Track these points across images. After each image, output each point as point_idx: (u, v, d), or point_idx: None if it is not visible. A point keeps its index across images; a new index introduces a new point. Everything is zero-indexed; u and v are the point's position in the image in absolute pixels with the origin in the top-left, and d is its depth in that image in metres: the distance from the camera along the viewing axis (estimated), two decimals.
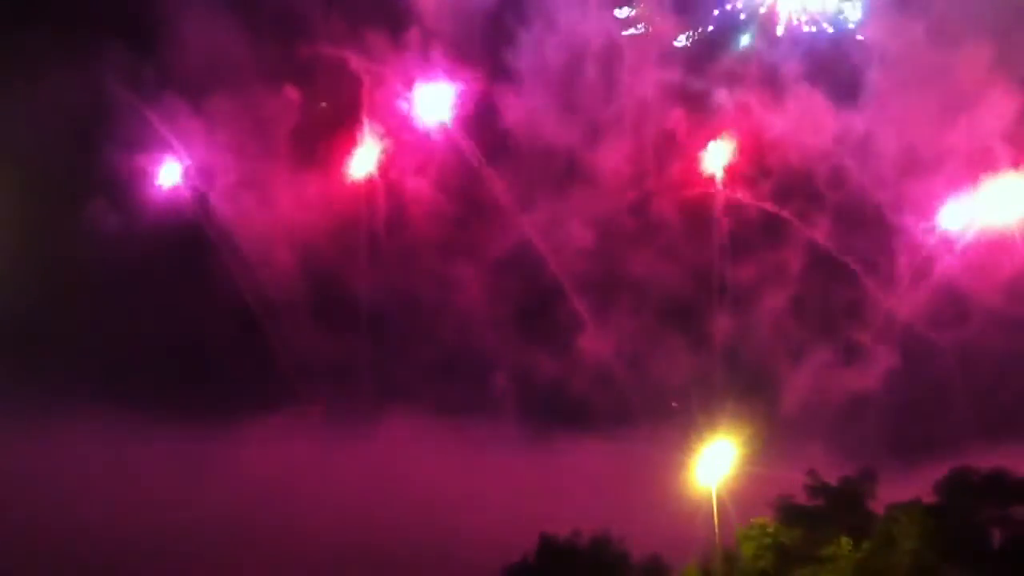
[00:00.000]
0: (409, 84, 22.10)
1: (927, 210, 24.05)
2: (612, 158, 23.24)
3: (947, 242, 23.98)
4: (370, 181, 22.58)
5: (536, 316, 23.24)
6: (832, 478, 18.42)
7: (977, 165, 23.56)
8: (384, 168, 22.42)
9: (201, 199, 22.14)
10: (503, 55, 22.84)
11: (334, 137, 22.38)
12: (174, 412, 21.80)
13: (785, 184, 24.02)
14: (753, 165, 24.03)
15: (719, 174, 23.99)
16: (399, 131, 22.41)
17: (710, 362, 24.02)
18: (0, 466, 20.43)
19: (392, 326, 23.11)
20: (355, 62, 21.92)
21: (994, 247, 23.65)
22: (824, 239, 23.99)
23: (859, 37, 24.85)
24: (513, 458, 22.53)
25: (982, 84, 23.38)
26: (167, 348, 21.93)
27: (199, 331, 22.16)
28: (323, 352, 22.79)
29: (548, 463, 22.40)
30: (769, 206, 24.00)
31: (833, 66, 24.09)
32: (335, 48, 21.80)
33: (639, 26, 23.59)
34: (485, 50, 22.77)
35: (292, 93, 21.62)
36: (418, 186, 22.66)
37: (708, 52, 23.71)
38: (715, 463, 20.15)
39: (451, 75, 22.22)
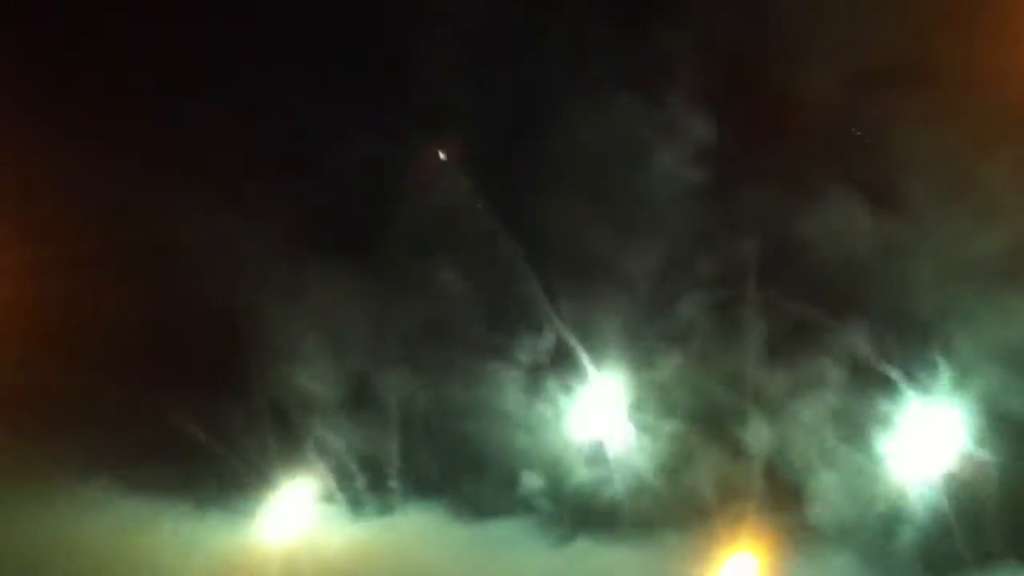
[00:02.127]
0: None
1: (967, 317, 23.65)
2: (640, 259, 23.20)
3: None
4: (401, 274, 22.67)
5: (566, 418, 23.05)
6: None
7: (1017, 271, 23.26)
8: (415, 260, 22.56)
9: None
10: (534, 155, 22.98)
11: (367, 228, 22.59)
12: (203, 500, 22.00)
13: (819, 288, 23.78)
14: (785, 266, 23.81)
15: (752, 274, 23.84)
16: (431, 224, 22.58)
17: (739, 469, 23.60)
18: None
19: (419, 422, 23.01)
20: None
21: None
22: (861, 346, 23.63)
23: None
24: (537, 560, 22.32)
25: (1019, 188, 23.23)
26: (189, 435, 21.97)
27: (223, 422, 22.26)
28: (347, 447, 22.74)
29: (572, 568, 22.14)
30: (802, 309, 23.70)
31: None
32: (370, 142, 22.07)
33: None
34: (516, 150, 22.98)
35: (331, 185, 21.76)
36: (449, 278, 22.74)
37: None
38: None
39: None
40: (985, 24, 22.91)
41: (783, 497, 23.79)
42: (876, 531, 23.25)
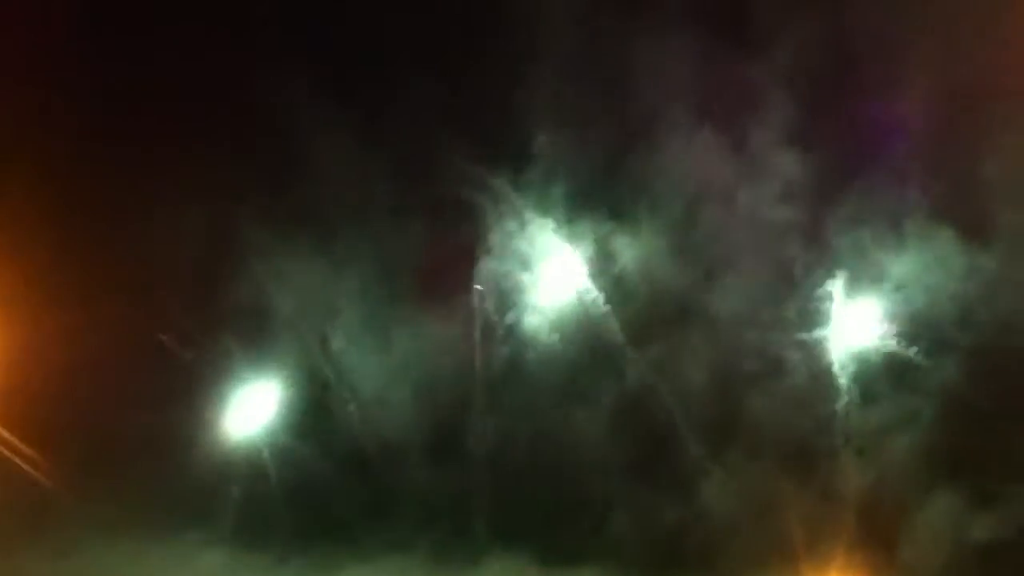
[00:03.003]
0: (527, 224, 22.08)
1: None
2: (728, 298, 22.81)
3: None
4: (487, 322, 22.55)
5: (653, 460, 22.84)
6: None
7: None
8: (501, 308, 22.43)
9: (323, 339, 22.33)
10: (620, 194, 22.69)
11: (453, 277, 22.46)
12: (285, 551, 22.18)
13: (910, 325, 23.24)
14: (874, 306, 23.31)
15: (838, 315, 23.36)
16: (515, 271, 22.38)
17: (830, 510, 23.25)
18: None
19: (507, 468, 22.95)
20: (476, 200, 21.95)
21: None
22: (953, 383, 23.10)
23: None
24: None
25: None
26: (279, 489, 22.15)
27: (310, 471, 22.39)
28: (436, 494, 22.76)
29: None
30: (893, 348, 23.19)
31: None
32: (457, 187, 21.92)
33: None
34: (604, 189, 22.68)
35: (415, 232, 21.74)
36: (535, 325, 22.58)
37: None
38: None
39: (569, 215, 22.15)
40: None
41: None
42: None
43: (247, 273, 21.82)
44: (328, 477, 22.74)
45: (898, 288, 23.22)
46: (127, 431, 21.26)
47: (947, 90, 23.15)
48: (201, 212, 21.38)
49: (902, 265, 23.10)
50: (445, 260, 22.73)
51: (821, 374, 23.29)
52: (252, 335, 22.17)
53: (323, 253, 22.35)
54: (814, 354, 23.29)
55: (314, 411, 22.55)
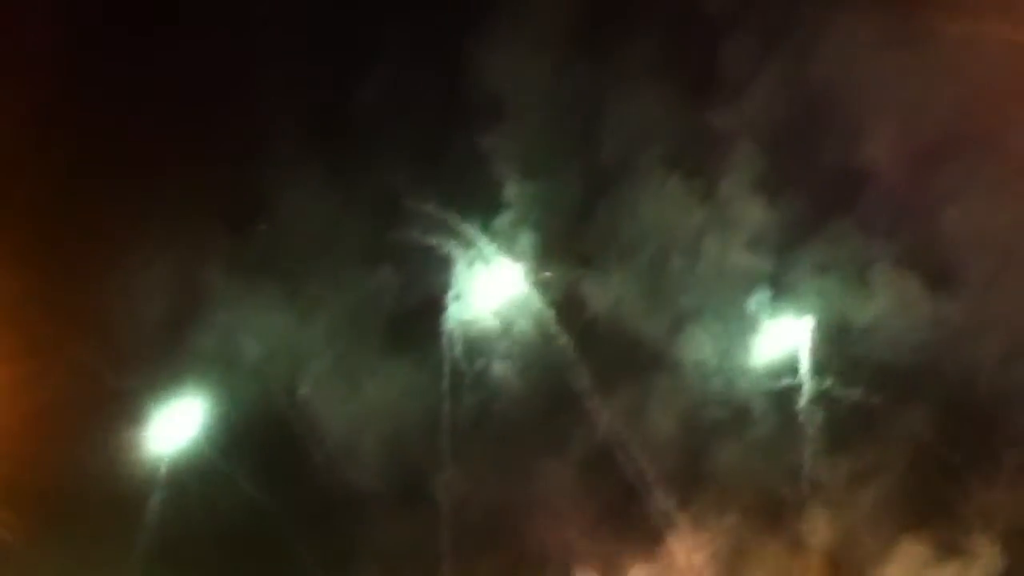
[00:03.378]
0: (498, 271, 22.04)
1: None
2: (695, 346, 22.84)
3: None
4: (456, 369, 22.43)
5: (620, 512, 22.72)
6: None
7: None
8: (469, 354, 22.32)
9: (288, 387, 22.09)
10: (590, 241, 22.73)
11: (421, 322, 22.36)
12: None
13: (877, 373, 23.33)
14: (842, 353, 23.40)
15: (806, 362, 23.42)
16: (485, 317, 22.31)
17: (798, 560, 23.19)
18: None
19: (473, 517, 22.73)
20: (445, 246, 21.89)
21: None
22: (921, 430, 23.18)
23: None
24: None
25: None
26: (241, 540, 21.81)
27: (272, 522, 22.07)
28: (401, 543, 22.50)
29: None
30: (860, 396, 23.26)
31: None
32: (426, 231, 21.88)
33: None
34: (574, 236, 22.70)
35: (384, 278, 21.64)
36: (504, 372, 22.47)
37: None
38: None
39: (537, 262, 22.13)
40: None
41: None
42: None
43: (212, 320, 21.57)
44: (291, 527, 22.34)
45: (864, 336, 23.29)
46: (83, 481, 20.86)
47: (913, 140, 23.38)
48: (166, 258, 21.14)
49: (869, 313, 23.16)
50: (414, 306, 22.64)
51: (788, 423, 23.27)
52: (216, 383, 21.86)
53: (290, 300, 22.13)
54: (782, 403, 23.30)
55: (278, 459, 22.21)
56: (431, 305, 22.71)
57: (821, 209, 23.90)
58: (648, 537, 22.75)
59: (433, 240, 22.55)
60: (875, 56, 23.22)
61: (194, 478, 22.05)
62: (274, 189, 22.06)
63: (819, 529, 23.08)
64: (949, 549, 23.05)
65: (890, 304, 23.47)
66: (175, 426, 22.03)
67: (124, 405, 21.48)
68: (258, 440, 22.09)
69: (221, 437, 22.21)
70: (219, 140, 21.54)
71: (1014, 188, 23.32)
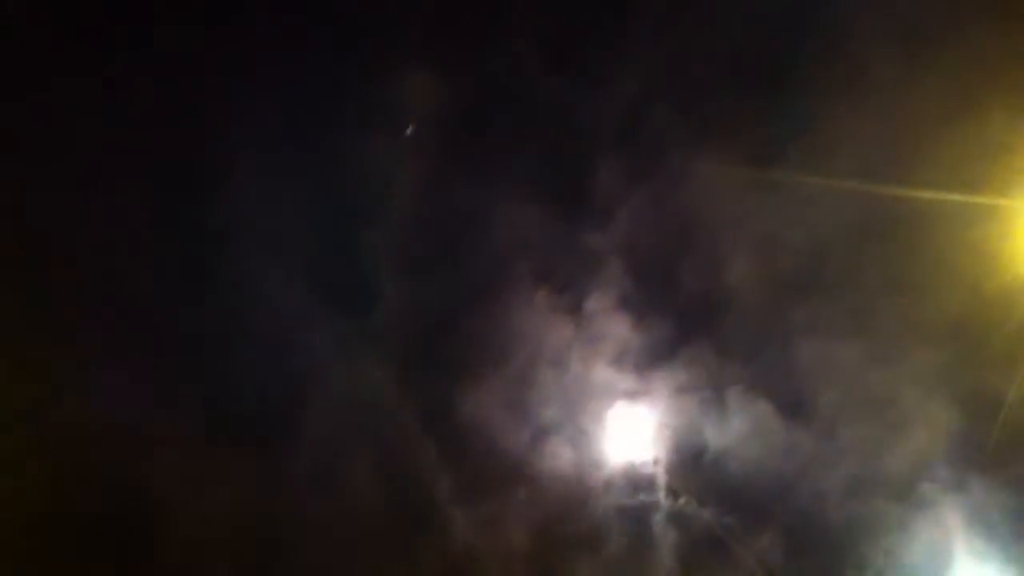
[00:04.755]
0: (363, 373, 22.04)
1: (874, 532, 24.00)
2: (555, 459, 23.07)
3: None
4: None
5: None
6: None
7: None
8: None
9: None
10: (458, 349, 23.02)
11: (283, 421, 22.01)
12: None
13: (729, 496, 23.88)
14: (695, 474, 23.94)
15: (660, 481, 23.85)
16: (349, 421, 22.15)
17: None
18: None
19: None
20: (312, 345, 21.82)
21: None
22: (770, 556, 23.62)
23: None
24: None
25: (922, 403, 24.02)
26: None
27: None
28: None
29: None
30: (712, 518, 23.68)
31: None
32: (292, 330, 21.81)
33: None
34: (442, 343, 22.96)
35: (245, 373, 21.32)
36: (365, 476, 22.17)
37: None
38: None
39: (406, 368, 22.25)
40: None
41: None
42: None
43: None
44: None
45: (718, 459, 23.94)
46: None
47: (771, 272, 24.70)
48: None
49: (722, 436, 23.88)
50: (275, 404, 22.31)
51: (642, 541, 23.48)
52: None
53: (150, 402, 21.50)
54: (636, 520, 23.56)
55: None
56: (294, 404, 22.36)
57: (682, 332, 24.85)
58: None
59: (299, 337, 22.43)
60: (736, 196, 24.77)
61: None
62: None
63: None
64: None
65: (743, 428, 24.24)
66: None
67: None
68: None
69: None
70: None
71: (863, 323, 24.77)
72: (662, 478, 23.85)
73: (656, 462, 23.85)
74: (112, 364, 20.84)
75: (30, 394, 20.19)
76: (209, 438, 21.50)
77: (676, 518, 23.87)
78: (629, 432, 24.21)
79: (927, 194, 23.82)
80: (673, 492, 23.78)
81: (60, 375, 20.63)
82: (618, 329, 24.01)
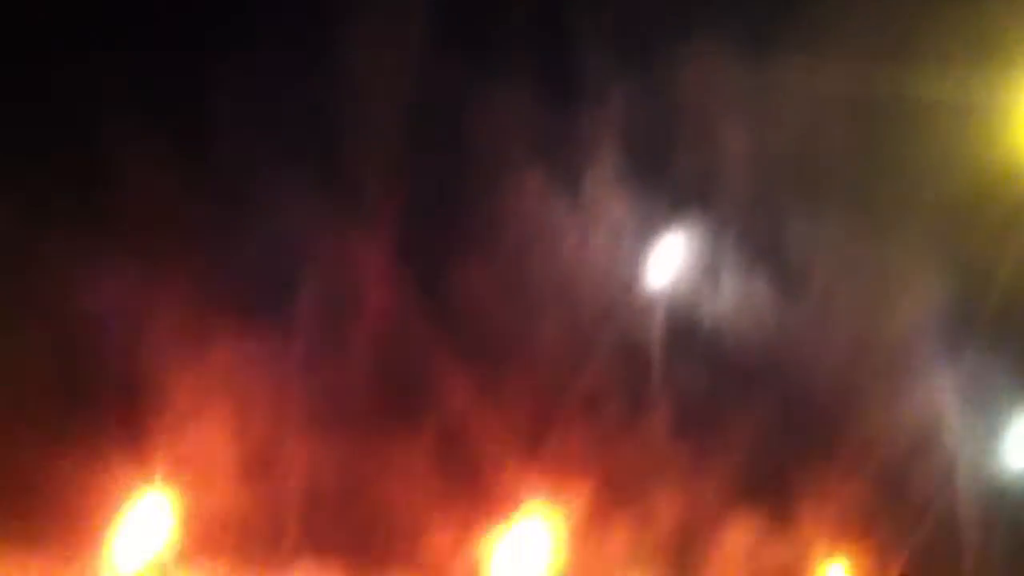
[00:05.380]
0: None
1: None
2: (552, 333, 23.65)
3: None
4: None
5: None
6: None
7: None
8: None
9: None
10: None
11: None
12: None
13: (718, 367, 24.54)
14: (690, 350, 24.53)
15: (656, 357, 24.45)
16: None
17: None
18: None
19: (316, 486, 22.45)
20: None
21: None
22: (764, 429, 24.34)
23: None
24: None
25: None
26: None
27: None
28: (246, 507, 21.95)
29: None
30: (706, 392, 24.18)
31: None
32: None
33: None
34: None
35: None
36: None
37: None
38: None
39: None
40: None
41: None
42: None
43: None
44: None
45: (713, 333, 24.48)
46: None
47: (765, 151, 24.95)
48: None
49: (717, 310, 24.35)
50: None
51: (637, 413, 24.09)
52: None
53: None
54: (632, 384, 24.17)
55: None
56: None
57: (677, 208, 25.22)
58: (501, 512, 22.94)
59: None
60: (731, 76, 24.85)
61: None
62: None
63: (665, 504, 23.67)
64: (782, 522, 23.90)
65: (739, 302, 24.66)
66: None
67: None
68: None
69: None
70: None
71: (858, 198, 25.01)
72: (657, 354, 24.29)
73: (651, 339, 24.26)
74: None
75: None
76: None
77: (670, 393, 24.35)
78: (625, 309, 24.62)
79: (923, 71, 23.86)
80: (668, 367, 24.24)
81: None
82: (614, 205, 24.32)
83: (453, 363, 23.29)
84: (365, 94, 23.03)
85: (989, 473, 25.56)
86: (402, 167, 23.48)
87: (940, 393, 24.75)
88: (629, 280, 24.92)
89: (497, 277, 24.04)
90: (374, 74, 23.06)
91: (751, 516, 23.90)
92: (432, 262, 23.83)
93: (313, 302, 22.83)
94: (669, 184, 25.26)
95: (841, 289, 24.90)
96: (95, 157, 20.64)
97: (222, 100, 21.35)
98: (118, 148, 20.32)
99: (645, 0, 25.38)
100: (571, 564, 23.47)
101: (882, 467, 24.84)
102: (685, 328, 24.62)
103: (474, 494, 22.85)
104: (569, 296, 24.68)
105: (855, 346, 24.88)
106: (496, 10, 24.61)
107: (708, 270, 24.72)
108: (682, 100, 24.96)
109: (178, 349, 21.25)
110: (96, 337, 20.53)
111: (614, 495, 23.57)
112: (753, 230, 25.26)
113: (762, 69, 24.60)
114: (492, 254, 24.22)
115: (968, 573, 24.69)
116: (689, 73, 24.62)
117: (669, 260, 24.84)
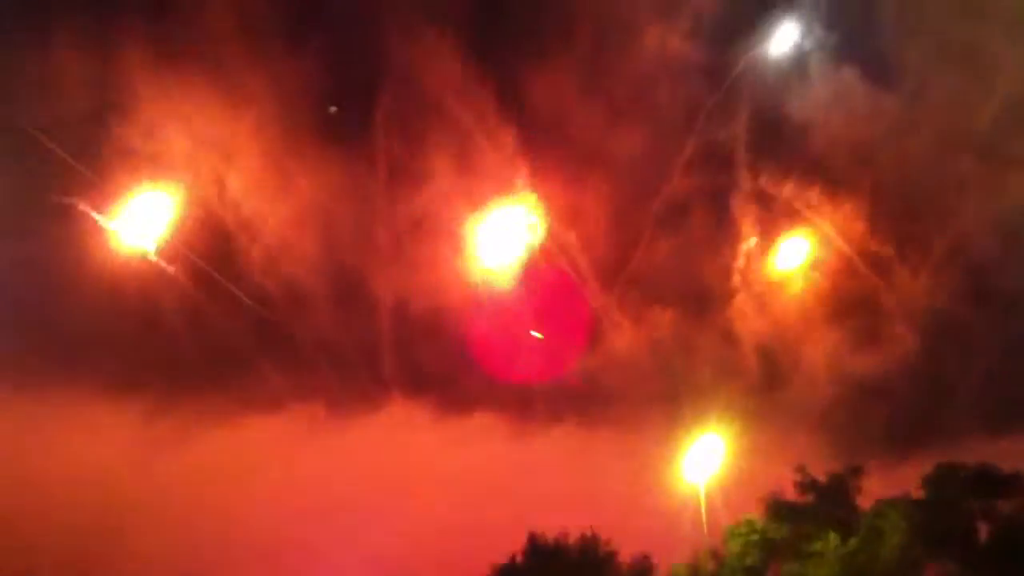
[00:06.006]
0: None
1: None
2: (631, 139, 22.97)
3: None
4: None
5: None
6: (823, 473, 19.15)
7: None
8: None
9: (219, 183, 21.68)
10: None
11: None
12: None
13: (807, 166, 23.61)
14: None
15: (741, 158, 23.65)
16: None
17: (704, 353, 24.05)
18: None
19: (404, 319, 23.32)
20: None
21: None
22: (844, 225, 23.80)
23: None
24: (501, 454, 22.42)
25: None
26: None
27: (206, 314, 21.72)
28: (337, 341, 23.11)
29: (536, 460, 22.21)
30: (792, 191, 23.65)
31: None
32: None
33: None
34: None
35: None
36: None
37: None
38: (704, 459, 20.88)
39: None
40: None
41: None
42: None
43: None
44: (226, 322, 21.46)
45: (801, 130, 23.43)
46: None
47: None
48: (88, 56, 20.28)
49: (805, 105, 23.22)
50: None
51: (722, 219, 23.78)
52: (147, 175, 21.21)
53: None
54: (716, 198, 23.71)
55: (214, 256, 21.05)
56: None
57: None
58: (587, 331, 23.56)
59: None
60: None
61: (130, 274, 20.27)
62: None
63: (749, 319, 23.92)
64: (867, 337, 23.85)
65: (827, 96, 23.34)
66: (111, 216, 20.73)
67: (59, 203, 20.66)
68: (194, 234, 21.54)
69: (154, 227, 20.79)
70: None
71: None
72: (742, 155, 23.44)
73: (736, 138, 23.36)
74: None
75: None
76: None
77: (755, 197, 23.68)
78: (707, 108, 23.51)
79: None
80: (753, 169, 23.43)
81: None
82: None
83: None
84: None
85: None
86: None
87: None
88: (707, 81, 23.60)
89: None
90: None
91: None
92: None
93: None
94: None
95: (936, 73, 23.13)
96: None
97: None
98: None
99: None
100: None
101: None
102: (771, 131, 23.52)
103: None
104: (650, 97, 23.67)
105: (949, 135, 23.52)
106: None
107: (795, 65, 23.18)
108: None
109: None
110: None
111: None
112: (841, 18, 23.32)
113: None
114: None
115: None
116: None
117: (753, 54, 23.29)
